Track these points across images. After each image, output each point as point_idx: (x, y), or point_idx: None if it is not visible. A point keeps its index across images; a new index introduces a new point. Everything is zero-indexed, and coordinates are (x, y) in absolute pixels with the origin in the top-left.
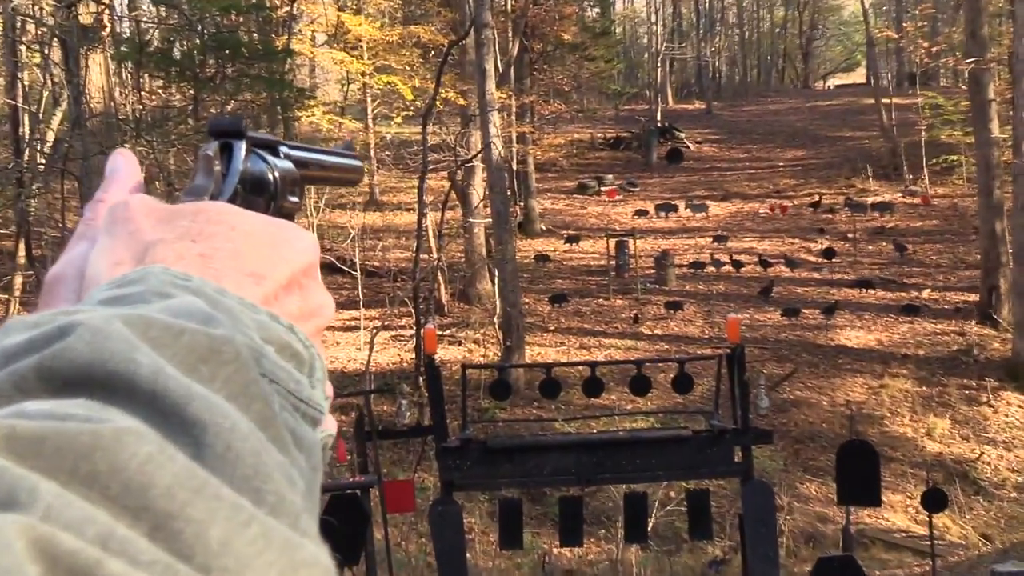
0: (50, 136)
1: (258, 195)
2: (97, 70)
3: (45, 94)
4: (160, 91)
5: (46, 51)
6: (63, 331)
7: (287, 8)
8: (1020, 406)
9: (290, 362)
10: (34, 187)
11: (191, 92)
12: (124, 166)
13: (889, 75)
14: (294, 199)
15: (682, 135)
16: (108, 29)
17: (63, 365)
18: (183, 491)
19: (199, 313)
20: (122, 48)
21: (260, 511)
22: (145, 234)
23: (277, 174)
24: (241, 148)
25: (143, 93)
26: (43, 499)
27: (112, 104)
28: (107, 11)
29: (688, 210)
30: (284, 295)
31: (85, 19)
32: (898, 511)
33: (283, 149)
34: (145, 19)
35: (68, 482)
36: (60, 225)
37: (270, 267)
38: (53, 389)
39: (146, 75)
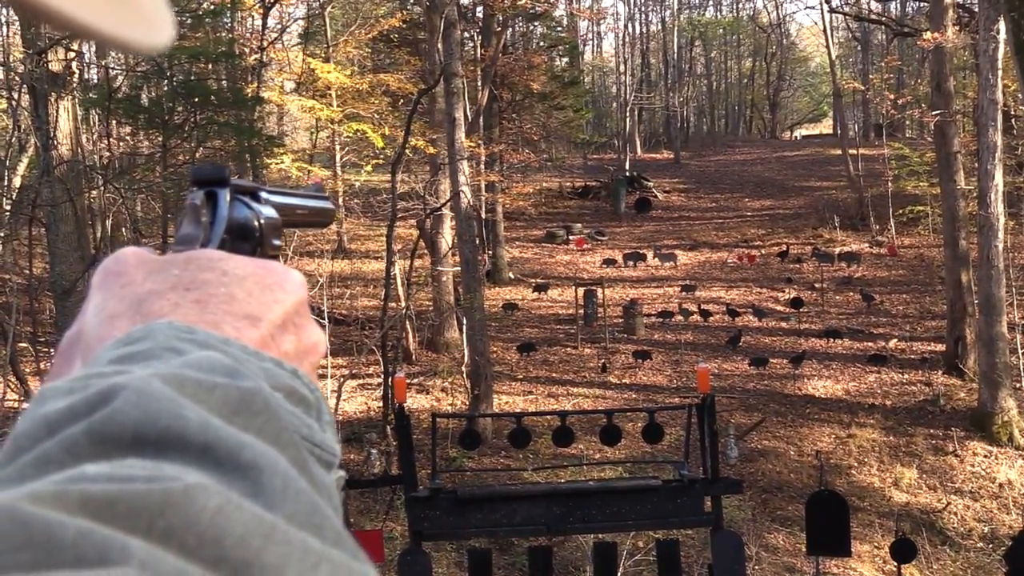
0: (16, 182)
1: (244, 241)
2: (65, 116)
3: (12, 139)
4: (128, 138)
5: (14, 97)
6: (106, 396)
7: (256, 56)
8: (986, 456)
9: (298, 407)
10: (0, 233)
11: (159, 139)
12: None
13: (855, 126)
14: (277, 243)
15: (650, 184)
16: (77, 76)
17: (114, 428)
18: (255, 538)
19: (222, 367)
20: (90, 95)
21: (325, 546)
22: (137, 286)
23: (262, 220)
24: (225, 196)
25: (111, 140)
26: (135, 555)
27: (80, 151)
28: (76, 58)
29: (656, 259)
30: (280, 335)
31: (55, 66)
32: (865, 561)
33: (263, 194)
34: (113, 66)
35: (146, 539)
36: (26, 272)
37: (264, 309)
38: (104, 452)
39: (114, 122)
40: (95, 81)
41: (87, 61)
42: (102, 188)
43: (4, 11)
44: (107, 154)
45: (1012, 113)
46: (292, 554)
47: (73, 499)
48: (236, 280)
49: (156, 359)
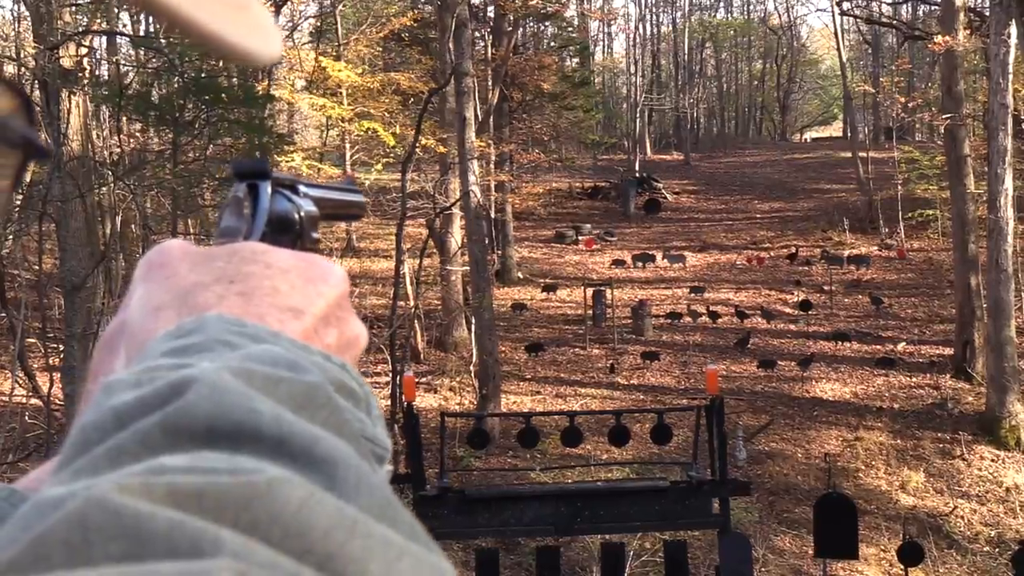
0: (26, 177)
1: (284, 234)
2: (76, 112)
3: None
4: (139, 135)
5: (26, 92)
6: (177, 388)
7: None
8: (993, 460)
9: (348, 401)
10: (10, 229)
11: (170, 136)
12: None
13: (866, 129)
14: (316, 236)
15: (660, 186)
16: (88, 72)
17: (187, 421)
18: (339, 531)
19: (284, 360)
20: (102, 91)
21: (403, 539)
22: (182, 278)
23: (302, 213)
24: (267, 189)
25: (122, 136)
26: (227, 546)
27: (90, 147)
28: (88, 54)
29: (665, 260)
30: (323, 328)
31: (67, 62)
32: (872, 564)
33: (302, 188)
34: (124, 62)
35: (234, 531)
36: (36, 268)
37: (307, 302)
38: (179, 444)
39: (125, 118)
40: (106, 77)
41: (99, 57)
42: (112, 184)
43: (16, 6)
44: (117, 150)
45: (1022, 117)
46: (375, 547)
47: (160, 490)
48: (279, 273)
49: (210, 352)
